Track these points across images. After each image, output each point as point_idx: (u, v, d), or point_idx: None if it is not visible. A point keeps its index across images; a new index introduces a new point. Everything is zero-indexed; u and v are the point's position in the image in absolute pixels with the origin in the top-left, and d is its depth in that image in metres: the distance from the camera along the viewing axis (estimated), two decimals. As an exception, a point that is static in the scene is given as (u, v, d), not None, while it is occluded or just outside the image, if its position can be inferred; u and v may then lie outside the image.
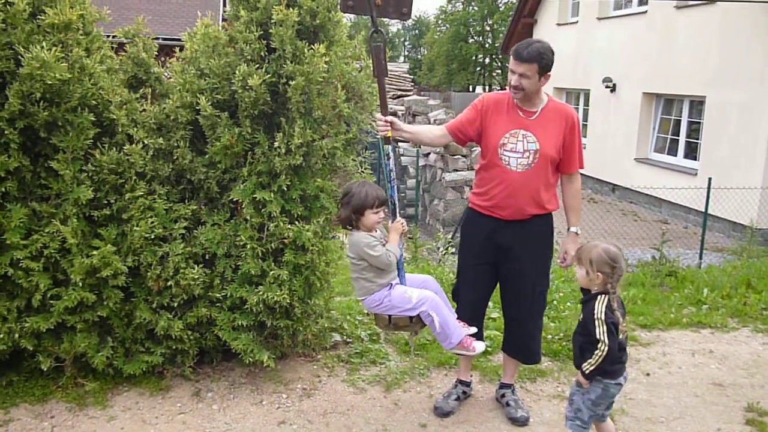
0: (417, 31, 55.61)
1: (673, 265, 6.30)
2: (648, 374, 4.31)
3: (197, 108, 3.66)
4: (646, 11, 13.51)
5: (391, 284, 3.29)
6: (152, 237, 3.62)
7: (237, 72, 3.58)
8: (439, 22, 44.62)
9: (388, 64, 3.31)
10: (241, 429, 3.52)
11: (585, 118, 16.20)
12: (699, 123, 12.38)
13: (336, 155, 3.86)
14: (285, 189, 3.74)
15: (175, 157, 3.75)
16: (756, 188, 10.58)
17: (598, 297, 2.96)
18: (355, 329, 4.59)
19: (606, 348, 2.89)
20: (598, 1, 15.06)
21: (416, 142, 3.59)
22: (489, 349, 4.39)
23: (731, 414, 3.86)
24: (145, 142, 3.64)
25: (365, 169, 4.13)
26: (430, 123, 11.87)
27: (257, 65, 3.63)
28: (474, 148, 11.07)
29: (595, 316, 2.92)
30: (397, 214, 3.34)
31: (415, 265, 6.44)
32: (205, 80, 3.73)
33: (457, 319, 3.56)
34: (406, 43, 58.38)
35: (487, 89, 43.09)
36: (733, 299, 5.60)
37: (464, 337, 3.37)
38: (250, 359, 3.76)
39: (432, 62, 44.33)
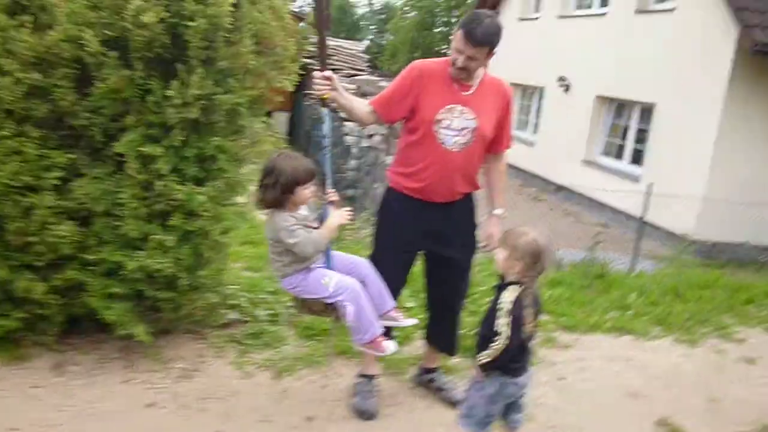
0: (384, 16, 54.96)
1: (603, 268, 6.10)
2: (562, 379, 4.06)
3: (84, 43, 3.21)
4: (605, 13, 13.39)
5: (309, 268, 2.97)
6: (17, 185, 3.17)
7: (130, 5, 3.14)
8: (405, 8, 44.14)
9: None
10: (101, 409, 3.12)
11: (537, 117, 16.09)
12: (647, 130, 12.33)
13: (241, 113, 3.46)
14: (178, 145, 3.32)
15: (54, 98, 3.29)
16: (696, 197, 10.56)
17: (510, 286, 2.68)
18: (255, 308, 4.20)
19: (504, 341, 2.60)
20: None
21: (349, 115, 3.27)
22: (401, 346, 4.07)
23: (641, 427, 3.63)
24: (18, 75, 3.17)
25: (276, 132, 3.74)
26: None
27: (156, 0, 3.20)
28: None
29: (499, 306, 2.64)
30: (328, 187, 3.04)
31: (337, 245, 6.06)
32: (95, 13, 3.27)
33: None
34: (372, 28, 57.61)
35: (447, 81, 42.80)
36: (659, 307, 5.41)
37: (378, 336, 3.05)
38: (123, 332, 3.35)
39: (396, 48, 43.85)
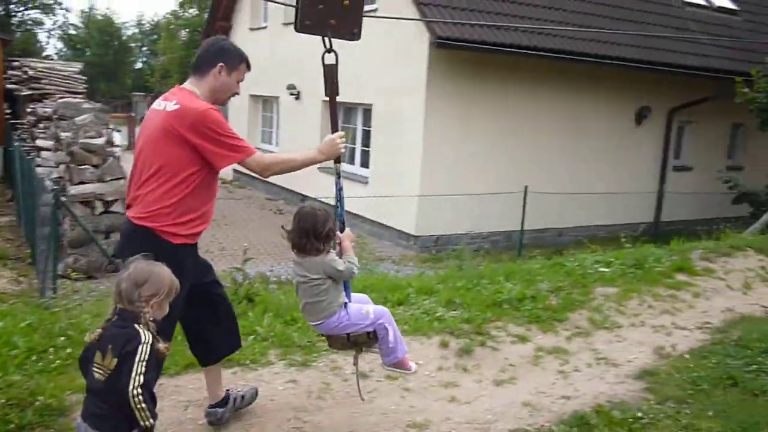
0: (156, 36, 52.36)
1: (252, 287, 5.47)
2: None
3: None
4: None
5: (346, 302, 3.23)
6: None
7: None
8: (172, 27, 42.26)
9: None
10: None
11: (277, 127, 15.62)
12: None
13: None
14: None
15: None
16: (413, 196, 10.54)
17: None
18: None
19: None
20: (284, 7, 14.50)
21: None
22: None
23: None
24: None
25: None
26: (77, 128, 10.13)
27: None
28: (111, 156, 9.63)
29: None
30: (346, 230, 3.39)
31: None
32: None
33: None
34: (144, 49, 54.55)
35: (226, 99, 41.41)
36: (297, 323, 4.88)
37: (405, 354, 3.40)
38: None
39: (167, 68, 41.84)
